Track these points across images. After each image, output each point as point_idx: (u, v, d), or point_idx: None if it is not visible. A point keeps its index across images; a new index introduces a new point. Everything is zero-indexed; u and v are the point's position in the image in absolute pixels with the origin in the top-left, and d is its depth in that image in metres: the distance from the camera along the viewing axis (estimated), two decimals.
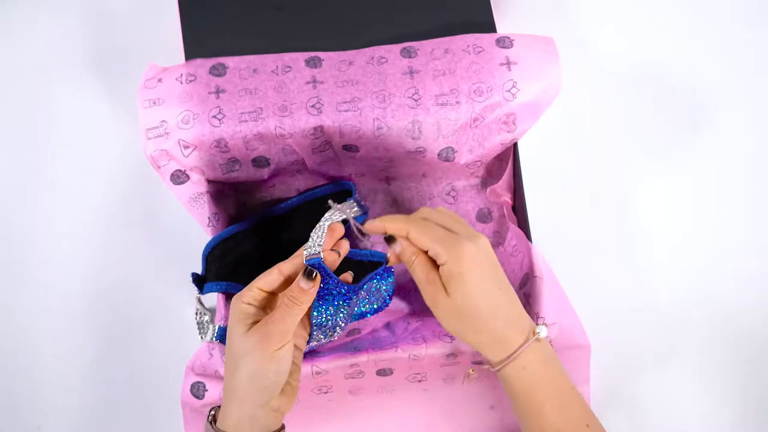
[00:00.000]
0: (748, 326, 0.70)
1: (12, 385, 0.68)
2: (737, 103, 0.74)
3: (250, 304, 0.50)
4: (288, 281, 0.51)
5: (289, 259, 0.52)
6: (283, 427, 0.52)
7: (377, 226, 0.53)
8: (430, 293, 0.51)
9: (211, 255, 0.62)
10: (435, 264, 0.52)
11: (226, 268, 0.62)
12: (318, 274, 0.50)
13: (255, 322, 0.50)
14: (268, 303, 0.52)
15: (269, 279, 0.51)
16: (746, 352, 0.70)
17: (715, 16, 0.77)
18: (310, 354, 0.61)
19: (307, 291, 0.49)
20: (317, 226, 0.51)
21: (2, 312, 0.69)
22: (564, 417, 0.52)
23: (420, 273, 0.52)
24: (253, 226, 0.64)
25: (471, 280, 0.50)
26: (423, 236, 0.51)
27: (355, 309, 0.56)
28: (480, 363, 0.55)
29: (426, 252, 0.52)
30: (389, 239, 0.52)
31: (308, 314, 0.52)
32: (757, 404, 0.69)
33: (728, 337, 0.70)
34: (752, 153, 0.74)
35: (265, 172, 0.63)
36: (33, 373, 0.68)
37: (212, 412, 0.53)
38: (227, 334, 0.51)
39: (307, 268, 0.49)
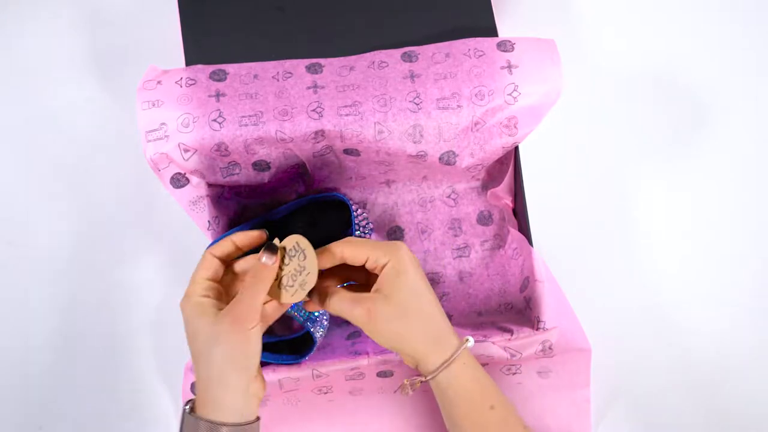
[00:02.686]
0: (748, 327, 0.70)
1: (12, 386, 0.68)
2: (738, 103, 0.74)
3: (204, 296, 0.50)
4: (237, 252, 0.52)
5: (244, 232, 0.52)
6: (257, 419, 0.51)
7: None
8: (363, 309, 0.50)
9: None
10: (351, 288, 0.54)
11: None
12: (280, 249, 0.50)
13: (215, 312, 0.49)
14: (220, 294, 0.51)
15: (221, 247, 0.51)
16: (747, 352, 0.70)
17: (715, 16, 0.77)
18: (310, 358, 0.62)
19: (268, 266, 0.49)
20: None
21: (2, 312, 0.69)
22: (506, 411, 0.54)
23: (344, 298, 0.51)
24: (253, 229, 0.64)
25: (414, 277, 0.51)
26: (360, 246, 0.51)
27: None
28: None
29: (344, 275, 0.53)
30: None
31: (272, 295, 0.51)
32: (758, 404, 0.69)
33: (729, 338, 0.70)
34: (753, 153, 0.74)
35: (265, 176, 0.63)
36: (34, 373, 0.68)
37: (188, 405, 0.51)
38: (190, 332, 0.50)
39: (269, 243, 0.49)
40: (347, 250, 0.51)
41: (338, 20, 0.65)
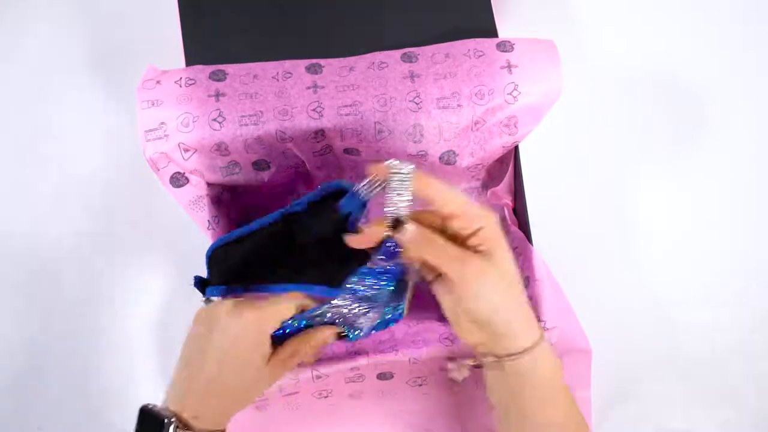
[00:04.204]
0: (749, 327, 0.70)
1: (13, 386, 0.68)
2: (738, 103, 0.74)
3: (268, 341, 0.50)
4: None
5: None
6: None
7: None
8: (473, 267, 0.45)
9: (213, 258, 0.61)
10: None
11: (227, 270, 0.62)
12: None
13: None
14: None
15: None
16: (747, 352, 0.70)
17: (715, 16, 0.77)
18: None
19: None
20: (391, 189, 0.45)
21: (3, 312, 0.69)
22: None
23: (451, 249, 0.45)
24: (256, 229, 0.63)
25: (508, 249, 0.46)
26: (459, 196, 0.45)
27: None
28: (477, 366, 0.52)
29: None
30: (396, 224, 0.45)
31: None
32: (758, 404, 0.69)
33: (730, 339, 0.70)
34: (753, 153, 0.74)
35: (265, 176, 0.63)
36: (34, 374, 0.68)
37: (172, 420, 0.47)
38: (236, 357, 0.48)
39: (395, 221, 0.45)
40: (448, 193, 0.45)
41: (338, 21, 0.65)
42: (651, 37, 0.76)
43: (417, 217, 0.46)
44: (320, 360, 0.61)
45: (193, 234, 0.67)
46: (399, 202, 0.45)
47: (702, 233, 0.72)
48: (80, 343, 0.68)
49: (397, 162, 0.45)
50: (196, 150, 0.59)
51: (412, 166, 0.44)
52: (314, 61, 0.62)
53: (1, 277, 0.69)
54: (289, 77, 0.60)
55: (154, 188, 0.68)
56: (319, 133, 0.59)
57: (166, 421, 0.47)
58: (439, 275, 0.48)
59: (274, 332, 0.51)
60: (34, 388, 0.68)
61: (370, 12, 0.65)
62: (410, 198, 0.45)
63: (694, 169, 0.73)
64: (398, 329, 0.64)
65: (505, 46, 0.61)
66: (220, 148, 0.59)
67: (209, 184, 0.62)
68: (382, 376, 0.63)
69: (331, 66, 0.61)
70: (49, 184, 0.71)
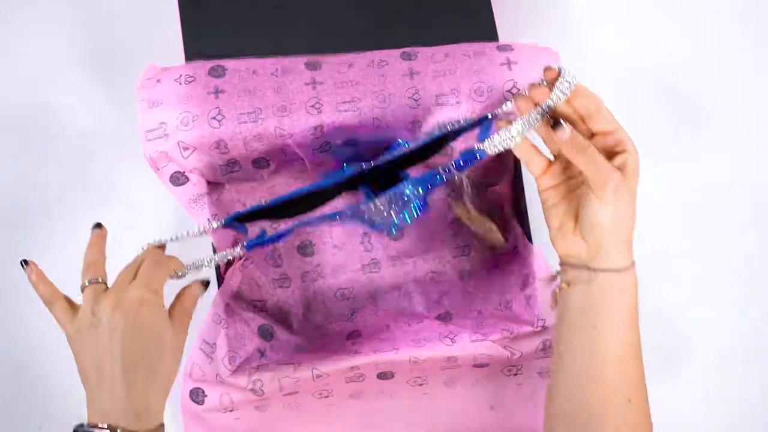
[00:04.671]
0: (750, 328, 0.70)
1: (13, 386, 0.68)
2: (738, 103, 0.74)
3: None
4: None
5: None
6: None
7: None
8: (617, 179, 0.47)
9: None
10: None
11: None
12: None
13: None
14: None
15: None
16: (748, 352, 0.70)
17: (716, 16, 0.77)
18: (310, 357, 0.62)
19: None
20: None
21: (4, 312, 0.69)
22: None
23: (601, 161, 0.47)
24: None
25: (638, 179, 0.49)
26: (612, 117, 0.49)
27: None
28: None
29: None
30: (556, 123, 0.47)
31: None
32: (759, 405, 0.69)
33: (730, 339, 0.70)
34: (753, 154, 0.73)
35: (264, 174, 0.63)
36: (34, 374, 0.68)
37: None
38: (151, 337, 0.49)
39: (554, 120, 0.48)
40: (606, 111, 0.49)
41: (337, 23, 0.65)
42: (651, 37, 0.76)
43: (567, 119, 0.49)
44: (320, 359, 0.61)
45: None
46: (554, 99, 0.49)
47: (702, 233, 0.72)
48: None
49: (567, 69, 0.49)
50: (195, 148, 0.59)
51: (577, 79, 0.49)
52: (313, 57, 0.62)
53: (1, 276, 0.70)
54: (289, 73, 0.60)
55: (154, 188, 0.69)
56: (318, 129, 0.59)
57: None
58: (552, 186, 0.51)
59: (249, 242, 0.56)
60: (34, 388, 0.68)
61: (369, 12, 0.65)
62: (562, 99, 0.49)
63: (695, 168, 0.73)
64: (398, 328, 0.64)
65: (504, 48, 0.61)
66: (220, 146, 0.59)
67: (209, 183, 0.62)
68: (382, 376, 0.63)
69: (331, 63, 0.61)
70: (49, 184, 0.71)
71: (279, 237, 0.59)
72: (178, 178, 0.61)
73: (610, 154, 0.49)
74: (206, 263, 0.57)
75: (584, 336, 0.49)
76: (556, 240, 0.51)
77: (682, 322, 0.70)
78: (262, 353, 0.63)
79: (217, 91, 0.59)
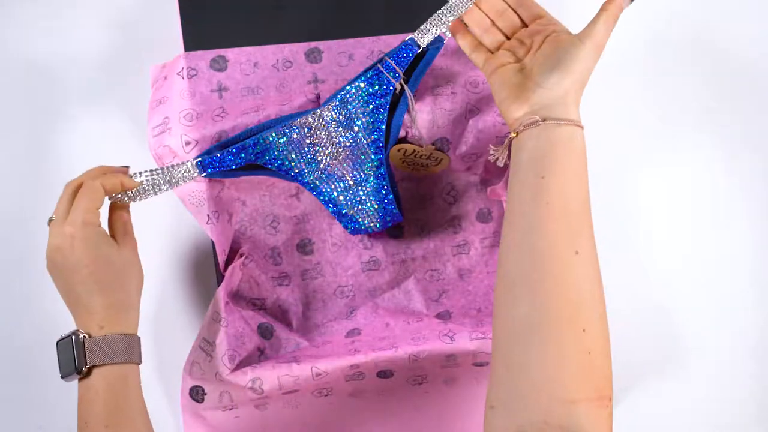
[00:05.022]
0: (750, 328, 0.70)
1: (14, 385, 0.68)
2: (739, 104, 0.74)
3: (98, 225, 0.55)
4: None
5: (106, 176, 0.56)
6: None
7: None
8: (585, 32, 0.52)
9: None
10: None
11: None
12: None
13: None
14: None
15: (111, 182, 0.56)
16: (748, 353, 0.69)
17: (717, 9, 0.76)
18: (309, 355, 0.61)
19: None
20: None
21: (4, 313, 0.69)
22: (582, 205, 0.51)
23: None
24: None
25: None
26: None
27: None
28: None
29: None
30: None
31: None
32: (759, 405, 0.69)
33: (731, 340, 0.70)
34: (754, 152, 0.73)
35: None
36: (35, 373, 0.68)
37: (79, 335, 0.54)
38: (95, 258, 0.53)
39: None
40: None
41: (336, 15, 0.65)
42: (651, 30, 0.75)
43: None
44: (320, 357, 0.61)
45: (190, 232, 0.67)
46: None
47: (703, 233, 0.72)
48: None
49: None
50: (197, 142, 0.59)
51: None
52: (313, 45, 0.62)
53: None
54: (289, 67, 0.60)
55: None
56: None
57: (73, 337, 0.53)
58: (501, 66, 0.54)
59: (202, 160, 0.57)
60: (34, 388, 0.68)
61: (369, 5, 0.65)
62: None
63: (695, 168, 0.73)
64: (398, 326, 0.64)
65: None
66: (221, 139, 0.59)
67: (209, 180, 0.62)
68: (382, 374, 0.63)
69: (330, 51, 0.61)
70: (51, 184, 0.71)
71: (234, 154, 0.58)
72: None
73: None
74: (162, 186, 0.58)
75: (531, 186, 0.49)
76: (507, 106, 0.53)
77: (682, 322, 0.70)
78: (261, 352, 0.63)
79: (220, 89, 0.59)
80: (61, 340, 0.55)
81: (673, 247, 0.71)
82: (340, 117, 0.57)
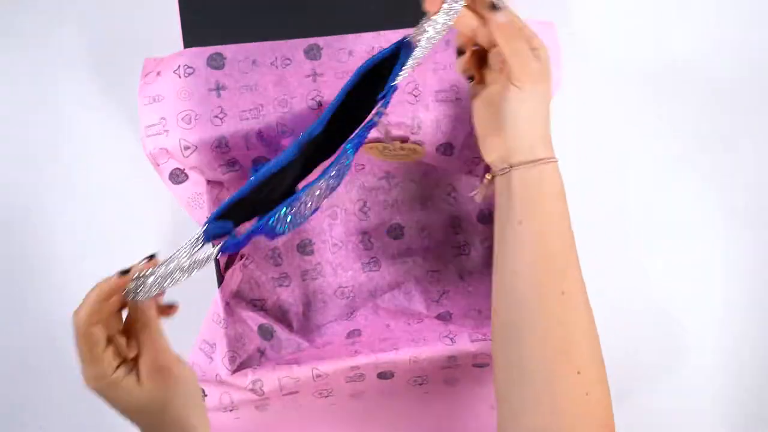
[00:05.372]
0: (749, 327, 0.70)
1: (14, 386, 0.68)
2: (739, 102, 0.74)
3: (115, 370, 0.45)
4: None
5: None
6: None
7: None
8: (538, 69, 0.49)
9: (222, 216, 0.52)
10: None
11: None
12: None
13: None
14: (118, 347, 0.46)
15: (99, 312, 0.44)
16: (748, 353, 0.69)
17: (717, 10, 0.76)
18: (310, 356, 0.61)
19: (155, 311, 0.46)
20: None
21: (4, 312, 0.69)
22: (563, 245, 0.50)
23: (527, 49, 0.48)
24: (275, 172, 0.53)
25: (549, 76, 0.50)
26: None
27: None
28: None
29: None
30: (493, 5, 0.48)
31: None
32: (760, 406, 0.69)
33: (731, 340, 0.70)
34: (754, 153, 0.73)
35: None
36: (35, 373, 0.68)
37: None
38: (123, 409, 0.46)
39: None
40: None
41: (336, 10, 0.64)
42: (653, 31, 0.75)
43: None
44: (320, 358, 0.61)
45: (189, 232, 0.67)
46: None
47: (703, 232, 0.72)
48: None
49: None
50: (197, 147, 0.59)
51: None
52: (312, 41, 0.61)
53: None
54: (288, 64, 0.60)
55: (151, 186, 0.68)
56: None
57: None
58: (477, 95, 0.52)
59: (223, 246, 0.47)
60: (34, 388, 0.68)
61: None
62: None
63: (696, 167, 0.73)
64: (398, 327, 0.64)
65: None
66: (221, 144, 0.59)
67: (208, 182, 0.62)
68: (382, 376, 0.63)
69: (330, 47, 0.60)
70: (48, 181, 0.71)
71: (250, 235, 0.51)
72: (178, 176, 0.61)
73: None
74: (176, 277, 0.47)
75: (512, 232, 0.49)
76: (483, 147, 0.52)
77: (682, 322, 0.70)
78: (262, 353, 0.63)
79: (218, 88, 0.59)
80: None
81: (673, 248, 0.71)
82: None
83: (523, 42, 0.48)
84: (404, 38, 0.50)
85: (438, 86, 0.59)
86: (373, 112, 0.52)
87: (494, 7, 0.47)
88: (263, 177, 0.50)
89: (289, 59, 0.60)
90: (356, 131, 0.52)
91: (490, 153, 0.52)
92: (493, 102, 0.51)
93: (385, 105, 0.51)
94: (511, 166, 0.50)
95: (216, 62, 0.59)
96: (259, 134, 0.59)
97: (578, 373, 0.46)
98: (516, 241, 0.49)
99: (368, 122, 0.52)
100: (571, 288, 0.48)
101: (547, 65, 0.49)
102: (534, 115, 0.50)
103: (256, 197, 0.50)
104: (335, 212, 0.67)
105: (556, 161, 0.50)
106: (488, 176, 0.52)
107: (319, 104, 0.59)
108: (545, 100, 0.50)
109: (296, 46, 0.61)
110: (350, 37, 0.61)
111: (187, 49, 0.60)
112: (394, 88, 0.50)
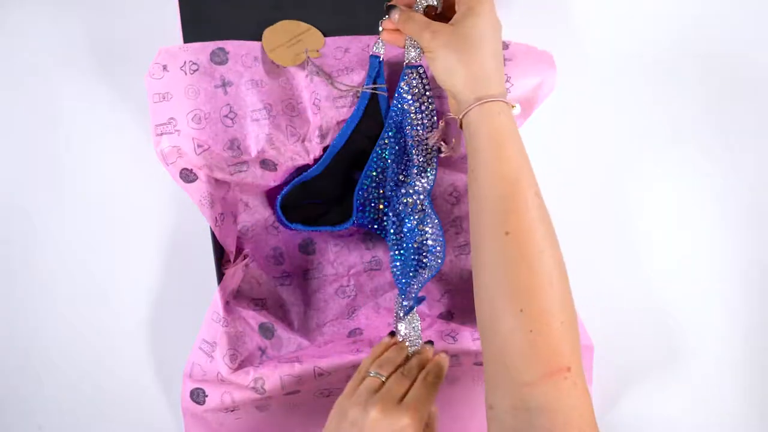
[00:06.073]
0: (749, 326, 0.70)
1: (14, 385, 0.68)
2: (741, 103, 0.74)
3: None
4: None
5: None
6: None
7: None
8: (429, 32, 0.53)
9: (287, 204, 0.64)
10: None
11: (300, 212, 0.65)
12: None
13: None
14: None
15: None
16: (748, 351, 0.70)
17: (717, 10, 0.76)
18: (311, 355, 0.61)
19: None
20: None
21: (5, 313, 0.69)
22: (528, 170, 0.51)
23: (419, 20, 0.54)
24: (322, 170, 0.64)
25: (484, 21, 0.52)
26: None
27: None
28: None
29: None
30: (389, 8, 0.56)
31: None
32: (759, 406, 0.69)
33: (730, 339, 0.70)
34: (754, 153, 0.73)
35: (270, 176, 0.62)
36: (35, 373, 0.68)
37: None
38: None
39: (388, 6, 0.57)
40: None
41: (336, 6, 0.64)
42: (649, 30, 0.75)
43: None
44: (322, 357, 0.61)
45: (189, 232, 0.67)
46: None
47: (703, 232, 0.72)
48: (80, 343, 0.68)
49: None
50: (209, 147, 0.58)
51: None
52: None
53: None
54: None
55: (152, 185, 0.68)
56: (321, 128, 0.59)
57: None
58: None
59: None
60: (34, 388, 0.68)
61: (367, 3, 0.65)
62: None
63: (695, 167, 0.73)
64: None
65: (503, 44, 0.61)
66: (233, 147, 0.59)
67: (217, 181, 0.61)
68: None
69: (328, 46, 0.61)
70: (49, 180, 0.71)
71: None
72: (188, 175, 0.60)
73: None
74: None
75: (469, 170, 0.52)
76: (439, 79, 0.54)
77: (682, 322, 0.70)
78: (263, 351, 0.63)
79: (224, 84, 0.58)
80: None
81: (673, 247, 0.72)
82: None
83: (413, 19, 0.54)
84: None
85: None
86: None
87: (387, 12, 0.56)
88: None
89: None
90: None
91: (453, 81, 0.53)
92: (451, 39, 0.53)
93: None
94: (470, 103, 0.52)
95: (219, 57, 0.59)
96: (269, 137, 0.59)
97: (521, 311, 0.47)
98: (471, 189, 0.51)
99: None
100: (515, 228, 0.49)
101: (464, 12, 0.52)
102: (454, 66, 0.52)
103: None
104: None
105: (492, 99, 0.51)
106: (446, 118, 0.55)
107: (319, 108, 0.60)
108: (465, 45, 0.52)
109: None
110: (347, 38, 0.61)
111: (189, 44, 0.59)
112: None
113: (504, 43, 0.62)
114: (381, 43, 0.60)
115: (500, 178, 0.50)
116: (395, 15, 0.56)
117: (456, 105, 0.54)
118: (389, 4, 0.57)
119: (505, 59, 0.60)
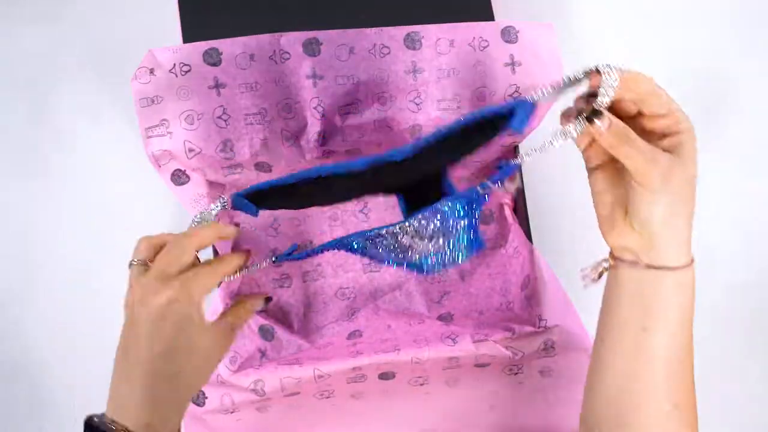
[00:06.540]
0: (749, 327, 0.70)
1: (14, 386, 0.68)
2: (741, 103, 0.74)
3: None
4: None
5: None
6: None
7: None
8: (659, 160, 0.41)
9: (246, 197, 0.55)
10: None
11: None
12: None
13: None
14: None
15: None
16: (746, 352, 0.70)
17: (718, 15, 0.76)
18: (311, 357, 0.61)
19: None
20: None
21: (5, 313, 0.69)
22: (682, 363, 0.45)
23: (642, 145, 0.41)
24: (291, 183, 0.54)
25: (696, 158, 0.42)
26: (662, 97, 0.42)
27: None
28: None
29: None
30: (594, 113, 0.41)
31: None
32: (759, 405, 0.69)
33: (731, 339, 0.70)
34: (754, 153, 0.73)
35: (265, 179, 0.62)
36: (35, 374, 0.68)
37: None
38: (187, 346, 0.47)
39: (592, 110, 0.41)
40: (657, 93, 0.42)
41: (335, 2, 0.63)
42: (652, 36, 0.75)
43: (612, 106, 0.43)
44: (322, 359, 0.61)
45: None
46: (602, 101, 0.42)
47: (703, 232, 0.72)
48: (80, 343, 0.68)
49: (606, 65, 0.41)
50: (201, 149, 0.58)
51: (618, 73, 0.41)
52: (311, 35, 0.59)
53: None
54: (288, 59, 0.59)
55: (152, 185, 0.68)
56: (321, 134, 0.59)
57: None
58: (599, 167, 0.45)
59: (278, 257, 0.54)
60: (34, 388, 0.68)
61: None
62: (613, 96, 0.41)
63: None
64: (400, 328, 0.64)
65: (509, 35, 0.60)
66: (226, 149, 0.59)
67: (210, 183, 0.61)
68: (383, 376, 0.63)
69: (330, 42, 0.59)
70: (49, 181, 0.71)
71: (307, 255, 0.54)
72: (180, 177, 0.60)
73: (661, 137, 0.43)
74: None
75: (632, 337, 0.45)
76: (604, 230, 0.46)
77: None
78: (263, 353, 0.63)
79: (217, 85, 0.58)
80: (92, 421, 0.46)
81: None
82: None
83: (635, 142, 0.41)
84: (520, 98, 0.46)
85: (440, 95, 0.59)
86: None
87: (591, 121, 0.41)
88: (307, 177, 0.49)
89: (288, 53, 0.59)
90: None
91: (616, 240, 0.45)
92: (618, 184, 0.45)
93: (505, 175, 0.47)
94: (646, 267, 0.44)
95: (212, 58, 0.58)
96: (264, 141, 0.59)
97: None
98: (633, 347, 0.45)
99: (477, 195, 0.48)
100: (684, 401, 0.45)
101: (689, 149, 0.42)
102: (672, 214, 0.42)
103: (289, 192, 0.51)
104: (336, 214, 0.67)
105: (691, 266, 0.44)
106: (610, 260, 0.47)
107: (323, 115, 0.59)
108: (685, 192, 0.42)
109: (294, 40, 0.59)
110: (351, 32, 0.59)
111: (180, 46, 0.58)
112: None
113: (513, 29, 0.60)
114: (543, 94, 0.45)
115: (681, 347, 0.45)
116: (604, 123, 0.41)
117: (638, 249, 0.44)
118: (585, 97, 0.43)
119: (514, 62, 0.59)
